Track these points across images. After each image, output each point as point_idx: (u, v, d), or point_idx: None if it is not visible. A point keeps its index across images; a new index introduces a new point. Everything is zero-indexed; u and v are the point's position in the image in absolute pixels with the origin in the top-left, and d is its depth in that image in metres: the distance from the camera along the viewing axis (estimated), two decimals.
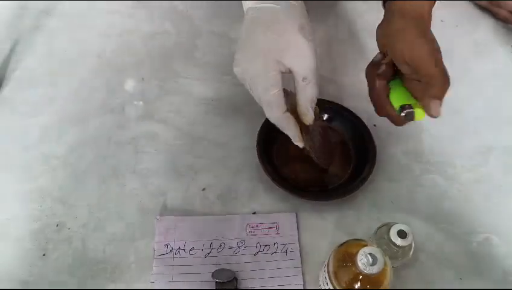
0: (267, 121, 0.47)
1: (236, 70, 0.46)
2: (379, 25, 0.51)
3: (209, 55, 0.64)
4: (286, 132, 0.46)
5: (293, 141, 0.46)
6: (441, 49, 0.63)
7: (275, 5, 0.44)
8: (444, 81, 0.46)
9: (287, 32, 0.43)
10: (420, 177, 0.53)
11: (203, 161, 0.54)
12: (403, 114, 0.45)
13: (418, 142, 0.54)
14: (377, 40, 0.50)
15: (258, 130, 0.52)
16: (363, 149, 0.53)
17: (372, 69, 0.48)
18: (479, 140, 0.57)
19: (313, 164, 0.50)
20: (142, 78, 0.61)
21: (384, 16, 0.51)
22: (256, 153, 0.50)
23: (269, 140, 0.52)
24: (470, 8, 0.70)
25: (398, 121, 0.47)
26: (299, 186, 0.51)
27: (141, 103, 0.58)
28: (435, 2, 0.49)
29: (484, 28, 0.68)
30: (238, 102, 0.59)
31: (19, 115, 0.56)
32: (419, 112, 0.45)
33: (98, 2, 0.68)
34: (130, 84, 0.60)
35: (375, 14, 0.50)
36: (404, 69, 0.46)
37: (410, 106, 0.45)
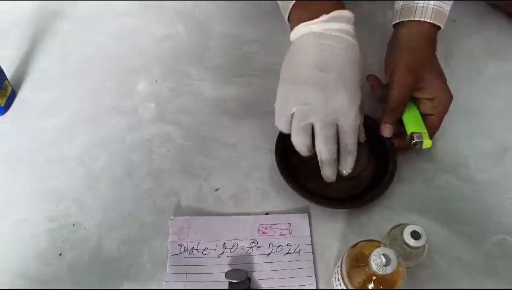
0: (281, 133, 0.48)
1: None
2: (389, 42, 0.54)
3: (221, 56, 0.64)
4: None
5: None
6: (455, 49, 0.65)
7: (335, 44, 0.43)
8: (451, 97, 0.51)
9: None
10: (433, 177, 0.53)
11: (215, 161, 0.54)
12: (413, 142, 0.49)
13: (432, 142, 0.53)
14: (386, 53, 0.53)
15: (276, 139, 0.50)
16: (383, 156, 0.51)
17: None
18: (493, 140, 0.56)
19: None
20: (156, 80, 0.61)
21: (393, 34, 0.54)
22: (276, 163, 0.49)
23: (287, 147, 0.50)
24: (482, 7, 0.69)
25: (404, 146, 0.50)
26: (318, 193, 0.50)
27: (153, 104, 0.59)
28: (440, 27, 0.51)
29: (497, 27, 0.67)
30: (249, 103, 0.59)
31: (34, 117, 0.58)
32: (427, 143, 0.49)
33: (111, 5, 0.69)
34: (142, 86, 0.61)
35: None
36: (407, 80, 0.48)
37: (420, 135, 0.49)
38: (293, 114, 0.45)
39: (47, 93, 0.60)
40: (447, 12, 0.53)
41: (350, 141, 0.46)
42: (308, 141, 0.45)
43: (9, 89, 0.58)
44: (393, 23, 0.55)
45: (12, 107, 0.58)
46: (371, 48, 0.62)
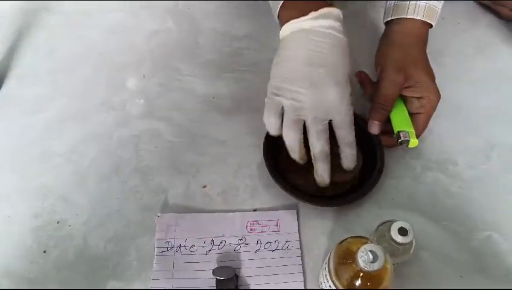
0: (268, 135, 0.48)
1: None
2: (380, 39, 0.54)
3: (211, 52, 0.64)
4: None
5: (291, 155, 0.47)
6: (443, 47, 0.65)
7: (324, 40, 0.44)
8: (439, 96, 0.51)
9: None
10: (421, 174, 0.53)
11: (204, 158, 0.54)
12: (399, 140, 0.49)
13: (419, 139, 0.53)
14: (377, 50, 0.53)
15: (264, 137, 0.50)
16: (371, 153, 0.51)
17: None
18: (481, 137, 0.56)
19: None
20: (144, 76, 0.61)
21: (384, 31, 0.54)
22: (264, 161, 0.49)
23: (275, 145, 0.50)
24: (470, 6, 0.69)
25: (390, 144, 0.50)
26: (307, 191, 0.50)
27: (142, 100, 0.58)
28: (431, 26, 0.52)
29: (486, 26, 0.68)
30: (239, 99, 0.59)
31: (21, 113, 0.57)
32: (413, 142, 0.49)
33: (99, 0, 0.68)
34: (131, 82, 0.60)
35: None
36: (397, 77, 0.48)
37: (406, 134, 0.49)
38: (283, 109, 0.45)
39: (33, 88, 0.59)
40: (439, 11, 0.53)
41: (347, 133, 0.46)
42: (300, 136, 0.46)
43: None
44: (384, 21, 0.55)
45: None
46: (361, 45, 0.62)
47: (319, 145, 0.45)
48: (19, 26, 0.65)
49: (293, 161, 0.48)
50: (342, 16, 0.45)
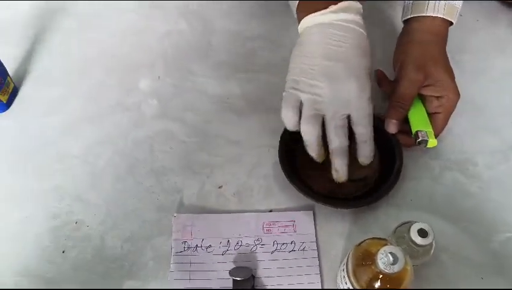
0: (285, 131, 0.47)
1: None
2: (399, 37, 0.53)
3: (224, 53, 0.63)
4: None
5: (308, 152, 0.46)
6: (462, 45, 0.64)
7: (344, 34, 0.43)
8: (458, 96, 0.50)
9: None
10: (440, 175, 0.52)
11: (219, 158, 0.53)
12: (418, 140, 0.48)
13: (438, 139, 0.52)
14: (396, 48, 0.53)
15: (279, 138, 0.50)
16: (389, 153, 0.50)
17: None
18: (501, 137, 0.55)
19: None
20: (158, 77, 0.61)
21: (403, 29, 0.53)
22: (279, 162, 0.48)
23: (290, 148, 0.50)
24: (490, 3, 0.68)
25: (408, 144, 0.49)
26: (324, 192, 0.49)
27: (156, 101, 0.59)
28: (452, 23, 0.51)
29: (505, 23, 0.66)
30: (253, 99, 0.58)
31: (37, 114, 0.57)
32: (432, 142, 0.48)
33: (113, 2, 0.68)
34: (145, 83, 0.60)
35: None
36: (416, 75, 0.48)
37: (425, 134, 0.48)
38: (301, 103, 0.44)
39: (50, 90, 0.59)
40: (459, 8, 0.52)
41: (365, 130, 0.45)
42: (318, 131, 0.45)
43: (11, 86, 0.58)
44: (403, 19, 0.54)
45: (14, 104, 0.58)
46: (379, 43, 0.62)
47: (337, 141, 0.44)
48: (34, 29, 0.65)
49: (309, 161, 0.48)
50: (362, 10, 0.45)
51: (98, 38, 0.65)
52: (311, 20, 0.44)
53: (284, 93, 0.45)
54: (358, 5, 0.44)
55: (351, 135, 0.46)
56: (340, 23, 0.43)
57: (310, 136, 0.45)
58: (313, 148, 0.46)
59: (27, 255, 0.46)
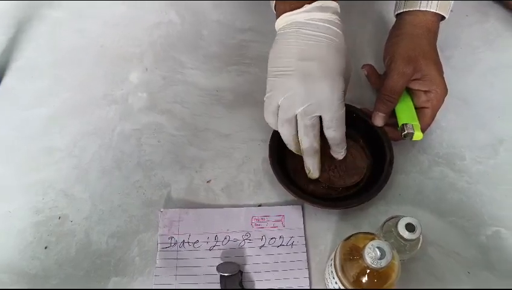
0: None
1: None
2: (391, 30, 0.53)
3: (214, 45, 0.62)
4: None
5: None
6: (451, 40, 0.64)
7: (322, 35, 0.43)
8: (446, 91, 0.50)
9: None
10: (429, 169, 0.52)
11: (208, 152, 0.53)
12: (403, 133, 0.49)
13: (426, 134, 0.52)
14: (387, 41, 0.52)
15: (269, 138, 0.49)
16: (379, 150, 0.50)
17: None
18: (489, 132, 0.55)
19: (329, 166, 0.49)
20: (146, 69, 0.60)
21: (395, 23, 0.53)
22: (269, 162, 0.48)
23: (281, 145, 0.49)
24: None
25: (394, 137, 0.49)
26: (314, 191, 0.49)
27: (145, 94, 0.58)
28: (443, 18, 0.51)
29: (494, 18, 0.66)
30: (243, 93, 0.58)
31: (22, 106, 0.56)
32: (417, 135, 0.48)
33: None
34: (133, 75, 0.59)
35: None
36: (406, 69, 0.47)
37: (411, 126, 0.49)
38: (279, 106, 0.44)
39: (34, 81, 0.58)
40: (452, 3, 0.52)
41: (337, 134, 0.45)
42: (293, 131, 0.45)
43: None
44: (396, 13, 0.54)
45: None
46: (367, 37, 0.61)
47: (307, 141, 0.45)
48: (19, 18, 0.64)
49: (300, 159, 0.48)
50: (339, 9, 0.44)
51: (85, 28, 0.64)
52: (287, 19, 0.44)
53: (264, 98, 0.46)
54: (334, 4, 0.44)
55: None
56: (315, 22, 0.43)
57: (286, 137, 0.46)
58: (291, 146, 0.47)
59: (10, 250, 0.45)
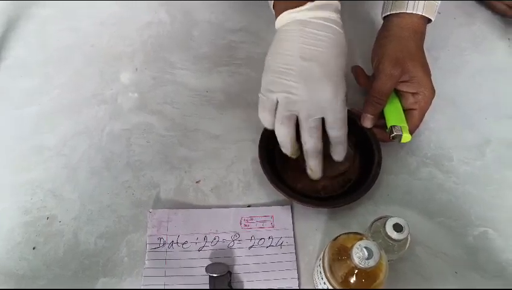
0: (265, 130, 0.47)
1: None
2: (378, 33, 0.54)
3: (205, 45, 0.62)
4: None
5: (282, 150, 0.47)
6: (439, 42, 0.65)
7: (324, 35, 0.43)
8: (433, 93, 0.50)
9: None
10: (417, 170, 0.53)
11: (197, 153, 0.53)
12: (392, 135, 0.49)
13: (415, 135, 0.53)
14: (374, 43, 0.53)
15: (260, 136, 0.49)
16: (367, 151, 0.50)
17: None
18: (476, 133, 0.56)
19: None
20: (136, 69, 0.60)
21: (382, 25, 0.54)
22: (260, 163, 0.48)
23: (271, 145, 0.49)
24: (467, 1, 0.69)
25: (382, 138, 0.50)
26: (306, 190, 0.49)
27: (135, 94, 0.57)
28: (430, 21, 0.52)
29: (481, 20, 0.67)
30: (233, 93, 0.58)
31: (10, 105, 0.55)
32: (406, 137, 0.49)
33: None
34: (123, 75, 0.59)
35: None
36: (394, 71, 0.48)
37: (399, 128, 0.49)
38: (277, 103, 0.44)
39: (23, 80, 0.57)
40: (438, 5, 0.52)
41: (339, 133, 0.45)
42: (292, 132, 0.45)
43: None
44: (383, 15, 0.55)
45: None
46: (356, 38, 0.62)
47: (311, 142, 0.45)
48: (8, 16, 0.63)
49: (289, 159, 0.48)
50: (340, 8, 0.44)
51: (76, 27, 0.63)
52: (289, 16, 0.43)
53: (259, 94, 0.45)
54: (336, 3, 0.44)
55: (325, 133, 0.46)
56: (318, 21, 0.42)
57: (283, 137, 0.45)
58: (286, 148, 0.46)
59: None
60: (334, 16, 0.43)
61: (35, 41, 0.61)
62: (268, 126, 0.46)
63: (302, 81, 0.42)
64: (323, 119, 0.44)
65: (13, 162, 0.51)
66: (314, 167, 0.47)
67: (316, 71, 0.42)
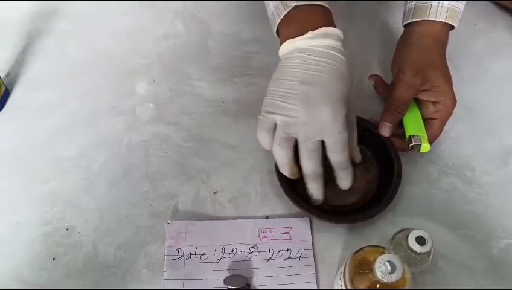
0: None
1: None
2: (399, 40, 0.53)
3: (220, 56, 0.63)
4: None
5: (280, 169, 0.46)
6: (459, 49, 0.64)
7: (326, 64, 0.43)
8: (455, 102, 0.49)
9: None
10: (438, 180, 0.51)
11: (214, 163, 0.53)
12: (410, 144, 0.48)
13: (435, 144, 0.52)
14: (395, 51, 0.52)
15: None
16: (386, 161, 0.49)
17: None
18: (499, 142, 0.55)
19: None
20: (154, 80, 0.60)
21: (403, 33, 0.53)
22: (277, 177, 0.48)
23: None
24: (487, 7, 0.68)
25: (401, 148, 0.49)
26: (322, 207, 0.48)
27: (152, 105, 0.58)
28: (453, 27, 0.51)
29: (502, 27, 0.66)
30: (249, 104, 0.58)
31: (30, 117, 0.56)
32: (425, 147, 0.48)
33: (109, 4, 0.68)
34: (141, 86, 0.60)
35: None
36: (414, 80, 0.47)
37: (418, 138, 0.48)
38: (275, 125, 0.44)
39: (43, 92, 0.59)
40: (461, 12, 0.51)
41: (341, 158, 0.45)
42: (290, 154, 0.44)
43: (3, 89, 0.57)
44: (404, 23, 0.54)
45: (7, 106, 0.57)
46: (373, 47, 0.61)
47: (310, 165, 0.44)
48: (29, 31, 0.65)
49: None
50: (341, 36, 0.44)
51: (93, 40, 0.64)
52: (291, 45, 0.44)
53: (259, 116, 0.45)
54: (337, 31, 0.44)
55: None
56: (319, 48, 0.43)
57: (280, 158, 0.45)
58: (284, 169, 0.46)
59: (19, 261, 0.45)
60: (335, 43, 0.44)
61: (54, 55, 0.63)
62: (266, 147, 0.46)
63: (301, 104, 0.42)
64: (323, 144, 0.44)
65: (32, 174, 0.52)
66: (314, 191, 0.46)
67: (315, 94, 0.42)
